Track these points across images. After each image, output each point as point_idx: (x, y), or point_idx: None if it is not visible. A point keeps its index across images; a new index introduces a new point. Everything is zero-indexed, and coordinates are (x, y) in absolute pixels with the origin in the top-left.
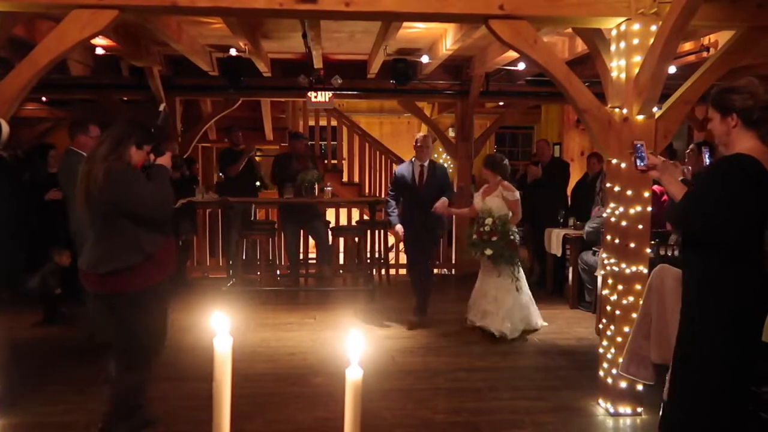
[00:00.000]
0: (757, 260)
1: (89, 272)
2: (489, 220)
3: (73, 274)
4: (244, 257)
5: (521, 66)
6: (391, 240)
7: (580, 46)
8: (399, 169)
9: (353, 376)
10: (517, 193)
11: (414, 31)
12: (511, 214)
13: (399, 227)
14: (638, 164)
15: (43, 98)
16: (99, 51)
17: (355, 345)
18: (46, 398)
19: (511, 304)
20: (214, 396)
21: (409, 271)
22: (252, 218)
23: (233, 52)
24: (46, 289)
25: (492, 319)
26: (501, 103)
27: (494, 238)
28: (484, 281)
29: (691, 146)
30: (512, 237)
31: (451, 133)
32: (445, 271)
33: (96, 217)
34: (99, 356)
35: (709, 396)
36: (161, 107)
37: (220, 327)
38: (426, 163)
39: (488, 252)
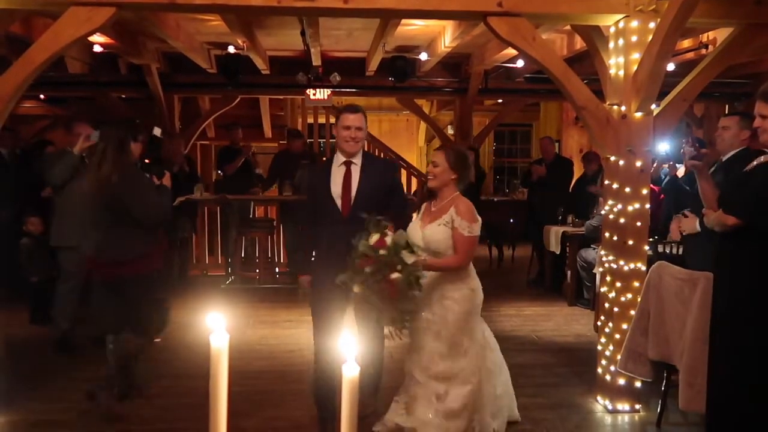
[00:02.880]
0: None
1: (100, 260)
2: (375, 238)
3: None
4: (242, 255)
5: (520, 63)
6: None
7: (579, 44)
8: (313, 173)
9: (349, 373)
10: (478, 228)
11: (412, 28)
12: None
13: (305, 279)
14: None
15: (41, 96)
16: (97, 48)
17: (352, 342)
18: (44, 396)
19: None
20: (211, 393)
21: (316, 360)
22: (251, 216)
23: (231, 49)
24: (25, 273)
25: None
26: (500, 101)
27: (367, 269)
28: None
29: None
30: (407, 280)
31: (450, 131)
32: None
33: (106, 213)
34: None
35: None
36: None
37: (216, 324)
38: (357, 160)
39: (355, 288)
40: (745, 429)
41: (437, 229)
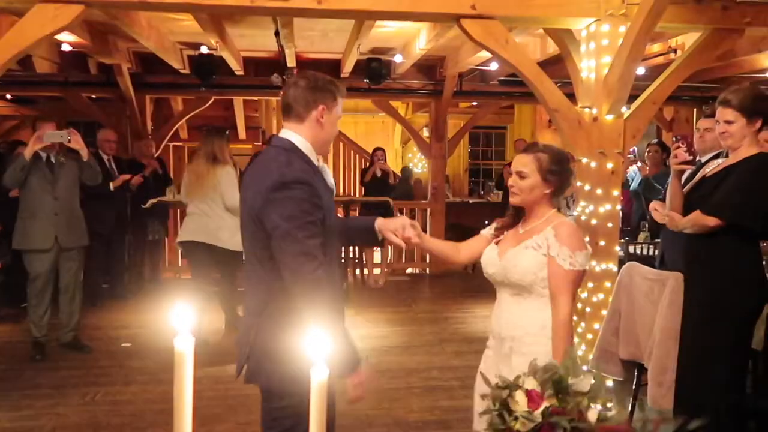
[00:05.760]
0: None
1: None
2: (524, 391)
3: (11, 274)
4: None
5: (494, 66)
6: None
7: (552, 47)
8: (299, 174)
9: (318, 377)
10: (584, 259)
11: (387, 30)
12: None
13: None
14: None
15: (8, 96)
16: (66, 47)
17: (321, 345)
18: (10, 404)
19: None
20: (175, 398)
21: None
22: None
23: (204, 49)
24: None
25: None
26: (474, 103)
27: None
28: None
29: (650, 146)
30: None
31: (425, 133)
32: (418, 270)
33: None
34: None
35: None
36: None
37: (181, 325)
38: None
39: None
40: (712, 426)
41: (523, 254)
